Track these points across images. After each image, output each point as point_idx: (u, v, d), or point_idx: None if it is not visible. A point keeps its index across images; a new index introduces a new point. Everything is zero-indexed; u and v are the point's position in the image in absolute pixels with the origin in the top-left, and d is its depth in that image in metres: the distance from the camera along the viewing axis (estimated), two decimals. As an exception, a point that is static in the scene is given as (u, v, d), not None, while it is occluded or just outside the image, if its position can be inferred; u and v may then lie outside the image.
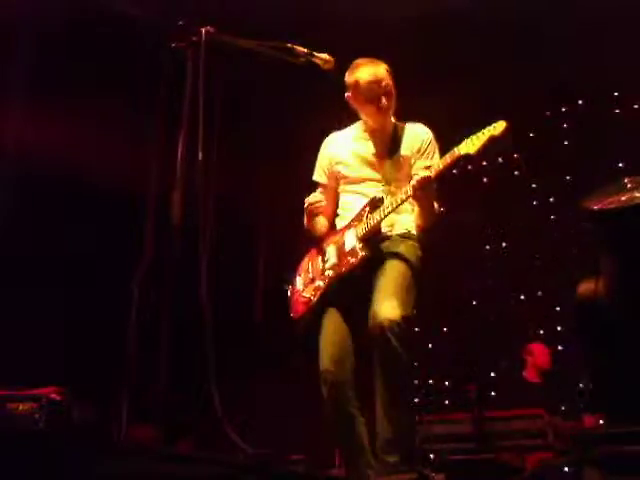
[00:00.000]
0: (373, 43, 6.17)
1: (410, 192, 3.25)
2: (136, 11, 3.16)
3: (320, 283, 3.47)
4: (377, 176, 3.51)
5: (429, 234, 3.52)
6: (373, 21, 5.92)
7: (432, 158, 3.46)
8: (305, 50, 3.29)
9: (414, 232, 3.49)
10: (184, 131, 3.01)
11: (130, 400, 4.88)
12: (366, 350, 3.27)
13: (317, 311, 3.45)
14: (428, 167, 3.27)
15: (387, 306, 3.13)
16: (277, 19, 5.57)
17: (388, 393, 3.12)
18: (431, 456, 5.13)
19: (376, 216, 3.34)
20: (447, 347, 6.94)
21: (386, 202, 3.34)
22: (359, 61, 3.55)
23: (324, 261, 3.51)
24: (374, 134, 3.60)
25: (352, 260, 3.35)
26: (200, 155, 2.99)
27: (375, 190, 3.46)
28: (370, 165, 3.54)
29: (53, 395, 4.01)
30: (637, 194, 2.77)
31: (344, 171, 3.60)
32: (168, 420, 2.78)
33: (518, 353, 6.26)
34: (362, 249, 3.33)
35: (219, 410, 2.93)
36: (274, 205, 6.86)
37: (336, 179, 3.64)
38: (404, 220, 3.50)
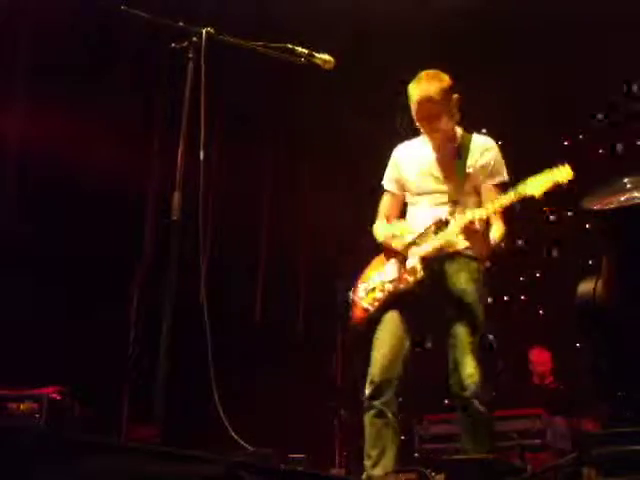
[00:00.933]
0: (373, 43, 6.25)
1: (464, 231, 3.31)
2: (137, 11, 3.16)
3: (379, 295, 3.53)
4: (442, 188, 3.52)
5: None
6: (374, 21, 5.93)
7: (499, 175, 3.50)
8: (306, 50, 3.30)
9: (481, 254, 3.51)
10: (184, 131, 3.01)
11: (130, 400, 4.88)
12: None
13: (374, 320, 3.53)
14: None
15: (467, 374, 3.31)
16: (277, 19, 5.57)
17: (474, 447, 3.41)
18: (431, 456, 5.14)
19: (439, 238, 3.38)
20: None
21: (450, 227, 3.37)
22: (420, 74, 3.52)
23: (385, 274, 3.56)
24: (439, 146, 3.58)
25: (410, 279, 3.42)
26: (201, 155, 3.00)
27: (439, 204, 3.49)
28: (435, 178, 3.54)
29: (53, 395, 4.01)
30: (636, 194, 2.77)
31: (409, 182, 3.62)
32: (168, 420, 2.78)
33: (518, 354, 6.25)
34: (422, 270, 3.40)
35: (219, 409, 2.94)
36: (275, 205, 6.86)
37: (402, 188, 3.67)
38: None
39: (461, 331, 3.36)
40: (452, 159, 3.53)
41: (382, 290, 3.52)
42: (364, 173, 6.67)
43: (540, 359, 6.01)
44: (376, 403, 3.39)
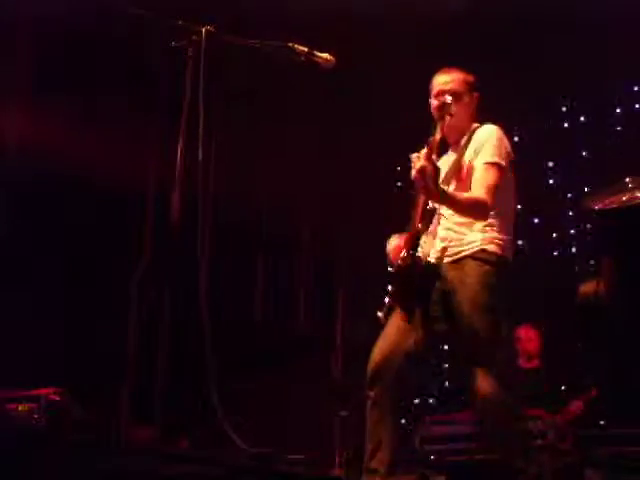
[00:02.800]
0: (373, 44, 6.24)
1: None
2: (136, 11, 3.15)
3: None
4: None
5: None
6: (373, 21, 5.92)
7: (486, 155, 3.29)
8: (306, 49, 3.28)
9: (491, 248, 3.27)
10: (183, 131, 3.00)
11: (130, 400, 4.87)
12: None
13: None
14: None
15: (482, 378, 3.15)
16: (277, 19, 5.56)
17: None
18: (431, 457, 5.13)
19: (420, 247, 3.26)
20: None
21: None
22: (441, 70, 3.49)
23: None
24: (453, 144, 3.49)
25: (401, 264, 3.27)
26: (200, 155, 2.99)
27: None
28: (445, 180, 3.31)
29: (52, 396, 4.00)
30: (638, 194, 2.77)
31: None
32: (168, 420, 2.78)
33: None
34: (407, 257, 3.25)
35: (219, 410, 2.93)
36: (274, 204, 6.85)
37: None
38: (475, 235, 3.30)
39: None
40: (458, 155, 3.40)
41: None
42: (369, 175, 6.70)
43: (528, 335, 5.99)
44: (371, 393, 3.29)
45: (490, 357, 3.15)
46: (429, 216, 3.31)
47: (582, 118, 6.95)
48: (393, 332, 3.31)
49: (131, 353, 5.02)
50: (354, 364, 4.79)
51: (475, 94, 3.47)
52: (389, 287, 3.37)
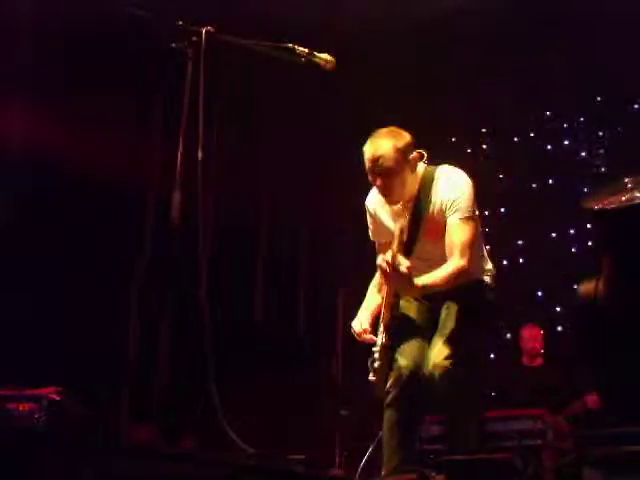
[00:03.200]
0: (373, 43, 6.24)
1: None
2: (136, 11, 3.15)
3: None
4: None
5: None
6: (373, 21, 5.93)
7: (452, 207, 3.21)
8: (306, 50, 3.28)
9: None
10: (184, 131, 3.01)
11: (130, 400, 4.87)
12: None
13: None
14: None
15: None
16: (277, 19, 5.57)
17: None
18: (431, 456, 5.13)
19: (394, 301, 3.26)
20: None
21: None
22: (375, 133, 3.31)
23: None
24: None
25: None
26: (200, 155, 2.99)
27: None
28: (410, 237, 3.29)
29: (53, 395, 4.00)
30: (637, 194, 2.77)
31: (379, 234, 3.49)
32: (168, 420, 2.78)
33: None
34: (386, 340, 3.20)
35: (219, 410, 2.93)
36: (275, 204, 6.86)
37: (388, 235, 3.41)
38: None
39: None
40: (411, 207, 3.31)
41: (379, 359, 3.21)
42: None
43: (532, 335, 6.03)
44: (403, 394, 3.31)
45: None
46: (397, 306, 3.33)
47: (582, 119, 6.99)
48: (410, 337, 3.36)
49: (131, 353, 5.02)
50: (354, 364, 4.78)
51: (414, 156, 3.29)
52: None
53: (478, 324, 3.37)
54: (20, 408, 3.95)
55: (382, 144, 3.22)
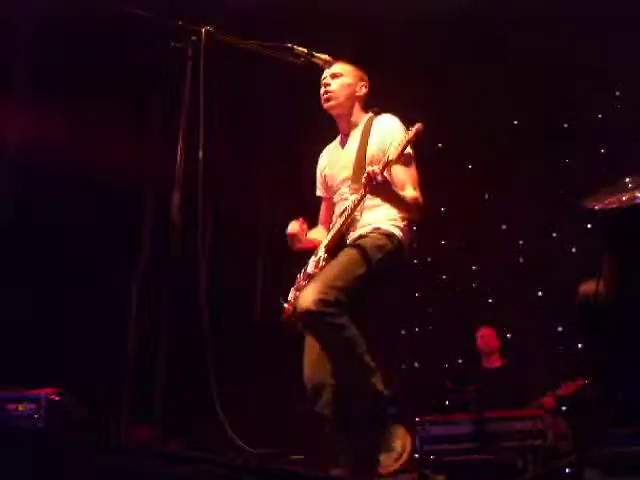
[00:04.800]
0: (373, 43, 6.24)
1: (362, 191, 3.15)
2: (136, 10, 3.15)
3: (297, 293, 3.40)
4: (350, 176, 3.37)
5: (412, 223, 3.39)
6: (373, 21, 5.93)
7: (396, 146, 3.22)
8: (305, 50, 3.29)
9: (386, 227, 3.27)
10: (183, 131, 3.00)
11: (130, 400, 4.87)
12: None
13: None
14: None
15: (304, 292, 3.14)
16: (277, 19, 5.57)
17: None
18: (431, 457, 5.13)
19: (339, 221, 3.27)
20: (447, 347, 6.94)
21: (347, 204, 3.26)
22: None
23: (303, 271, 3.45)
24: (347, 135, 3.50)
25: (316, 271, 3.27)
26: (200, 155, 2.98)
27: (346, 198, 3.34)
28: (345, 168, 3.41)
29: (52, 396, 4.00)
30: (638, 194, 2.76)
31: (329, 180, 3.54)
32: (168, 420, 2.78)
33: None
34: (326, 259, 3.24)
35: (219, 410, 2.93)
36: (274, 204, 6.86)
37: (329, 190, 3.57)
38: (374, 217, 3.30)
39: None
40: (358, 144, 3.39)
41: (303, 286, 3.33)
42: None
43: (486, 333, 6.14)
44: (317, 409, 3.32)
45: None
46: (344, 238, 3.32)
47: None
48: (313, 344, 3.40)
49: (131, 353, 5.02)
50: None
51: (362, 83, 3.50)
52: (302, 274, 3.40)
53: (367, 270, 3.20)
54: (20, 408, 3.95)
55: (337, 64, 3.46)
